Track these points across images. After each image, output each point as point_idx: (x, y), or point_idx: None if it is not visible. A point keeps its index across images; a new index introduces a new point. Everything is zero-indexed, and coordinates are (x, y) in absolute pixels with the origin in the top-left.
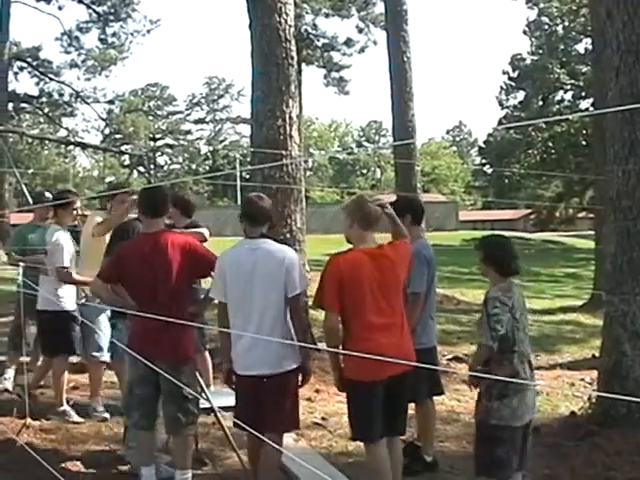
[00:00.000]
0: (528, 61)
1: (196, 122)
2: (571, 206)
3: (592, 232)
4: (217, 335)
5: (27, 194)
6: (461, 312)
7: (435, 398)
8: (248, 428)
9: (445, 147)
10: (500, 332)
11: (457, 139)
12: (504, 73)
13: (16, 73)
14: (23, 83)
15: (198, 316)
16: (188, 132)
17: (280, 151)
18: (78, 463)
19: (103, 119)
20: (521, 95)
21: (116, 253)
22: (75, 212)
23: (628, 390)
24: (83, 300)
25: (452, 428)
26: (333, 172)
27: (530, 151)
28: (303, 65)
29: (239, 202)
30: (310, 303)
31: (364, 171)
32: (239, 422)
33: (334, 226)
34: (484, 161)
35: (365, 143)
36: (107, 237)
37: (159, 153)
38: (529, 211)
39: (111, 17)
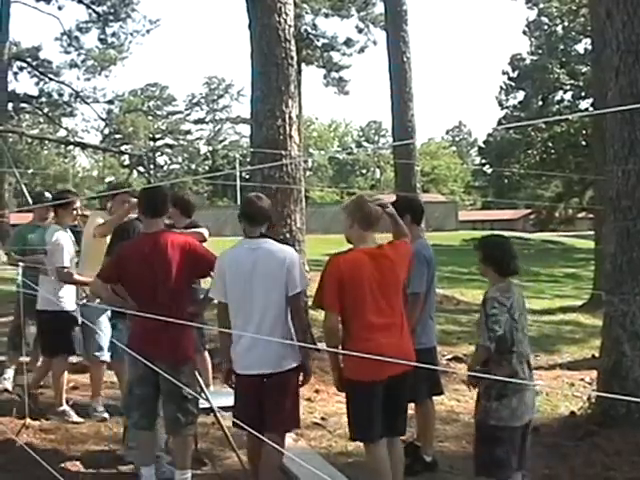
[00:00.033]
0: (528, 61)
1: (196, 122)
2: (571, 206)
3: (592, 232)
4: (216, 335)
5: (27, 194)
6: (461, 312)
7: (435, 398)
8: (248, 428)
9: (445, 147)
10: (498, 333)
11: (457, 139)
12: (504, 73)
13: (16, 73)
14: (23, 83)
15: (198, 316)
16: (188, 132)
17: (280, 151)
18: (78, 463)
19: (103, 119)
20: (521, 95)
21: (116, 253)
22: (75, 212)
23: (627, 390)
24: (84, 300)
25: (452, 428)
26: (333, 172)
27: (530, 151)
28: (303, 65)
29: (239, 202)
30: (310, 303)
31: (364, 171)
32: (238, 422)
33: (334, 226)
34: (484, 161)
35: (365, 143)
36: (108, 237)
37: (159, 153)
38: (529, 211)
39: (111, 17)
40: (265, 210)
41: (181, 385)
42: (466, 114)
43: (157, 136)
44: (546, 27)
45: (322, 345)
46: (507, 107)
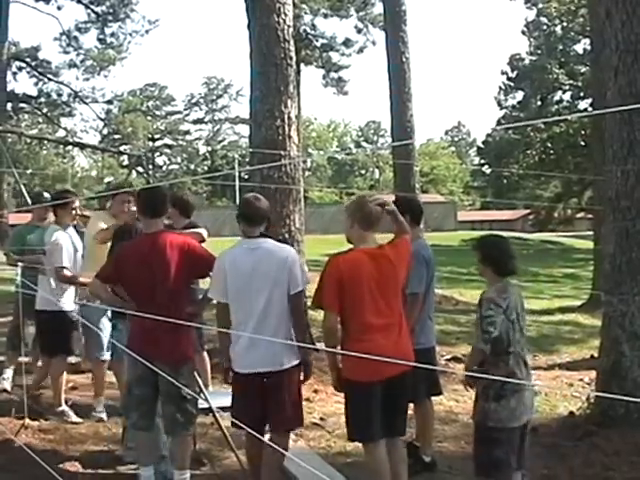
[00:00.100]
0: (527, 61)
1: (195, 122)
2: (570, 206)
3: (591, 232)
4: (215, 335)
5: (26, 194)
6: (460, 312)
7: (433, 398)
8: (246, 427)
9: (444, 147)
10: (493, 334)
11: (456, 139)
12: (503, 73)
13: (15, 73)
14: (22, 83)
15: (196, 316)
16: (187, 132)
17: (279, 151)
18: (76, 463)
19: (102, 119)
20: (520, 95)
21: (115, 253)
22: (74, 212)
23: (626, 390)
24: (84, 301)
25: (450, 428)
26: (332, 172)
27: (529, 151)
28: (302, 65)
29: (238, 202)
30: (309, 303)
31: (363, 171)
32: (237, 422)
33: (333, 226)
34: (483, 161)
35: (364, 143)
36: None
37: (158, 153)
38: (528, 211)
39: (110, 17)
40: (263, 210)
41: (180, 385)
42: (465, 114)
43: (156, 136)
44: (545, 27)
45: (321, 345)
46: (506, 107)
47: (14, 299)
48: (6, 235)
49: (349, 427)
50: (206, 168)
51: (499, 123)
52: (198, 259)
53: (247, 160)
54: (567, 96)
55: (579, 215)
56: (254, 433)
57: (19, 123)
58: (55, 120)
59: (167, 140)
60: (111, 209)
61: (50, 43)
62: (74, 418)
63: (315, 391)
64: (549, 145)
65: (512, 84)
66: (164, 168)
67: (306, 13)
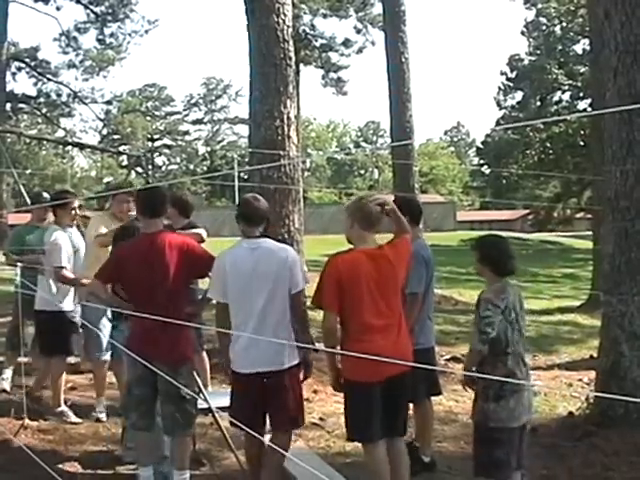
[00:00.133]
0: (526, 62)
1: (194, 122)
2: (569, 206)
3: (590, 232)
4: (214, 335)
5: (25, 194)
6: (459, 312)
7: (433, 398)
8: (245, 428)
9: (443, 148)
10: (491, 335)
11: (455, 140)
12: (502, 74)
13: (14, 73)
14: (21, 83)
15: (195, 316)
16: (186, 133)
17: (278, 151)
18: (76, 464)
19: (101, 119)
20: (519, 95)
21: (114, 253)
22: (73, 212)
23: (626, 390)
24: (83, 301)
25: (450, 428)
26: (331, 172)
27: (528, 151)
28: (301, 65)
29: (237, 202)
30: (308, 303)
31: (362, 172)
32: (235, 422)
33: (332, 226)
34: (482, 162)
35: (363, 144)
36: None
37: (157, 153)
38: (527, 211)
39: (109, 17)
40: (262, 211)
41: (179, 385)
42: (464, 115)
43: (155, 136)
44: (544, 27)
45: (320, 345)
46: (505, 107)
47: (13, 299)
48: (5, 235)
49: (348, 427)
50: (205, 168)
51: (498, 123)
52: (197, 259)
53: (246, 160)
54: (566, 96)
55: (578, 215)
56: (253, 433)
57: (18, 123)
58: (54, 120)
59: (166, 140)
60: (111, 209)
61: (49, 43)
62: (73, 418)
63: (314, 391)
64: (548, 145)
65: (511, 84)
66: (163, 168)
67: (305, 13)
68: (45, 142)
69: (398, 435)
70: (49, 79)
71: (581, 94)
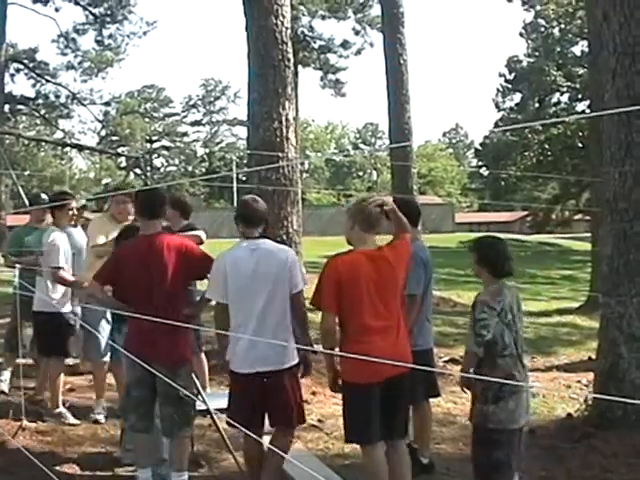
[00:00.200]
0: (524, 63)
1: (192, 124)
2: (567, 208)
3: (588, 234)
4: (213, 337)
5: (23, 196)
6: (457, 314)
7: (431, 400)
8: (242, 428)
9: (441, 149)
10: (486, 337)
11: (453, 141)
12: (500, 75)
13: (12, 75)
14: (19, 85)
15: (194, 318)
16: (184, 134)
17: (276, 153)
18: (74, 465)
19: (99, 121)
20: (517, 97)
21: (113, 255)
22: (71, 212)
23: (624, 392)
24: (83, 302)
25: (448, 430)
26: (329, 174)
27: (526, 153)
28: (300, 67)
29: (235, 204)
30: (307, 304)
31: (360, 173)
32: (232, 422)
33: (330, 228)
34: (480, 163)
35: (361, 145)
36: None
37: (155, 155)
38: (525, 213)
39: (107, 19)
40: (261, 212)
41: (178, 387)
42: (463, 116)
43: (154, 138)
44: (543, 29)
45: (318, 347)
46: (504, 109)
47: (12, 301)
48: (4, 237)
49: (347, 429)
50: (204, 170)
51: (497, 125)
52: (196, 261)
53: (245, 162)
54: (565, 98)
55: (577, 217)
56: (250, 433)
57: (17, 125)
58: (53, 122)
59: (165, 142)
60: (110, 210)
61: (48, 45)
62: (72, 420)
63: (313, 393)
64: (547, 147)
65: (510, 86)
66: (162, 170)
67: (304, 15)
68: (44, 143)
69: (398, 437)
70: (48, 80)
71: (580, 96)
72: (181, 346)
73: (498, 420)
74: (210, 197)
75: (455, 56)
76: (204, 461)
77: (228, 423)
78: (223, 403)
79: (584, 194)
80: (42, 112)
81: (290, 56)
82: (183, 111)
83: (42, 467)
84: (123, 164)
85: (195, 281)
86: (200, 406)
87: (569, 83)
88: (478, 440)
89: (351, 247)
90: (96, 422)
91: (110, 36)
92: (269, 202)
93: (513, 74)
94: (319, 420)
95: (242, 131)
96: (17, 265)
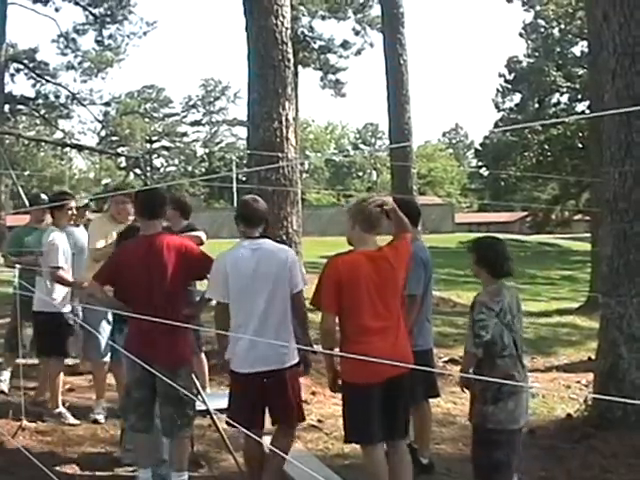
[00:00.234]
0: (524, 63)
1: (192, 124)
2: (567, 208)
3: (588, 234)
4: (213, 337)
5: (23, 196)
6: (457, 314)
7: (431, 400)
8: (242, 428)
9: (441, 149)
10: (485, 338)
11: (453, 142)
12: (500, 76)
13: (12, 75)
14: (19, 85)
15: (194, 318)
16: (184, 134)
17: (276, 153)
18: (74, 465)
19: (99, 121)
20: (517, 98)
21: (113, 255)
22: (70, 212)
23: (624, 392)
24: (84, 302)
25: (448, 430)
26: (329, 174)
27: (526, 153)
28: (299, 67)
29: (235, 204)
30: (307, 305)
31: (360, 173)
32: (234, 423)
33: (330, 228)
34: (480, 164)
35: (361, 145)
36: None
37: (155, 155)
38: (525, 213)
39: (107, 19)
40: (261, 212)
41: (178, 387)
42: (463, 117)
43: (154, 138)
44: (543, 29)
45: (318, 347)
46: (503, 109)
47: (12, 301)
48: (4, 237)
49: (347, 429)
50: (204, 170)
51: (496, 125)
52: (195, 261)
53: (245, 162)
54: (564, 98)
55: (576, 217)
56: (250, 434)
57: (17, 125)
58: (53, 122)
59: (165, 142)
60: (109, 210)
61: (48, 45)
62: (71, 420)
63: (313, 393)
64: (546, 147)
65: (509, 86)
66: (162, 170)
67: (304, 15)
68: (43, 144)
69: (399, 437)
70: (47, 80)
71: (579, 96)
72: (181, 346)
73: (497, 420)
74: (210, 197)
75: (455, 56)
76: (204, 461)
77: (228, 423)
78: (223, 403)
79: (584, 194)
80: (42, 112)
81: (290, 56)
82: (183, 111)
83: (42, 467)
84: (123, 164)
85: (195, 281)
86: (200, 406)
87: (569, 83)
88: (478, 440)
89: (351, 247)
90: (96, 422)
91: (110, 36)
92: (269, 202)
93: (513, 74)
94: (319, 420)
95: (242, 131)
96: (17, 265)
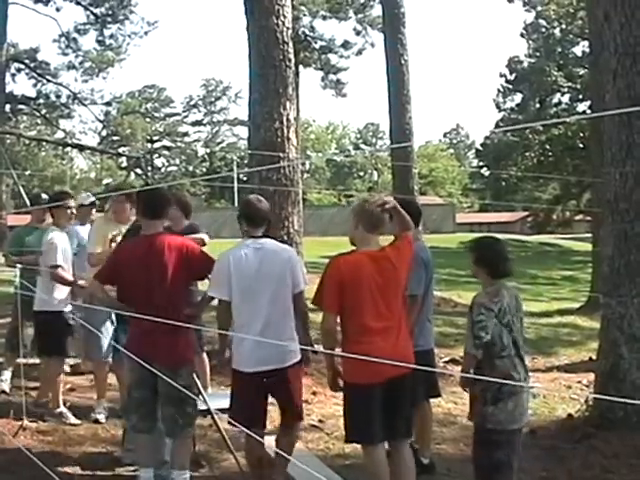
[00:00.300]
0: (525, 64)
1: (193, 124)
2: (568, 209)
3: (589, 235)
4: (214, 337)
5: (24, 196)
6: (458, 314)
7: (432, 400)
8: (243, 428)
9: (442, 150)
10: (484, 339)
11: (454, 142)
12: (501, 76)
13: (14, 75)
14: (20, 85)
15: (195, 318)
16: (185, 134)
17: (277, 153)
18: (75, 465)
19: (100, 121)
20: (518, 98)
21: (114, 255)
22: (70, 212)
23: (625, 393)
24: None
25: (449, 430)
26: (330, 174)
27: (527, 154)
28: (300, 67)
29: (236, 204)
30: (308, 305)
31: (361, 173)
32: (236, 423)
33: (331, 228)
34: (481, 164)
35: (362, 145)
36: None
37: (156, 155)
38: (526, 213)
39: (109, 19)
40: (264, 211)
41: (179, 387)
42: (464, 117)
43: (155, 138)
44: (544, 30)
45: (319, 347)
46: (504, 110)
47: (13, 300)
48: (5, 237)
49: (347, 429)
50: (205, 170)
51: (497, 125)
52: (196, 261)
53: (246, 162)
54: (566, 98)
55: (577, 217)
56: (252, 434)
57: (18, 124)
58: (54, 122)
59: (166, 142)
60: (110, 210)
61: (49, 45)
62: (72, 420)
63: (314, 393)
64: (547, 147)
65: (511, 86)
66: (163, 170)
67: (305, 15)
68: (44, 143)
69: (401, 437)
70: (49, 80)
71: (580, 96)
72: (182, 346)
73: (497, 421)
74: (211, 197)
75: (456, 57)
76: (205, 461)
77: (230, 423)
78: (224, 403)
79: (585, 195)
80: (43, 112)
81: (291, 56)
82: (184, 111)
83: (43, 467)
84: (124, 164)
85: (196, 281)
86: (201, 406)
87: (570, 84)
88: (479, 441)
89: (353, 247)
90: (97, 422)
91: (111, 36)
92: (270, 202)
93: (514, 74)
94: (320, 420)
95: (243, 131)
96: (18, 265)
